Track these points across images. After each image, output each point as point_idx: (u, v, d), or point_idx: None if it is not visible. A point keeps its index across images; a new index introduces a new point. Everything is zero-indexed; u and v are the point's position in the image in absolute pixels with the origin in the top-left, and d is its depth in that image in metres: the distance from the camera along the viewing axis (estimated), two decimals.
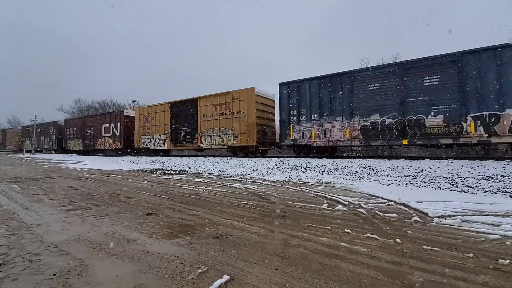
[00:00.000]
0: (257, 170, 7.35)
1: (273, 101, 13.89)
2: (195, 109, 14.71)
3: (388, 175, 5.58)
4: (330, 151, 11.04)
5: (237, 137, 12.84)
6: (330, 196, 3.57)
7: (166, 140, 16.12)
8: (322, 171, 6.63)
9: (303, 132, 10.98)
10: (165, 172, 7.58)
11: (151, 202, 3.50)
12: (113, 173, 7.56)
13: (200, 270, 1.51)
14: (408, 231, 2.17)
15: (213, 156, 15.27)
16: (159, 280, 1.41)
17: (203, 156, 15.48)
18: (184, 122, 15.28)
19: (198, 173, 7.32)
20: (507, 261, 1.57)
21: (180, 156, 16.40)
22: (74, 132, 23.91)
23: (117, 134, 19.16)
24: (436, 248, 1.80)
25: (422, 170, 5.99)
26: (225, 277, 1.41)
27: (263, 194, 3.92)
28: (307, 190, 4.12)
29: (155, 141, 16.81)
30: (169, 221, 2.59)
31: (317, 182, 5.01)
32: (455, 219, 2.45)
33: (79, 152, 23.60)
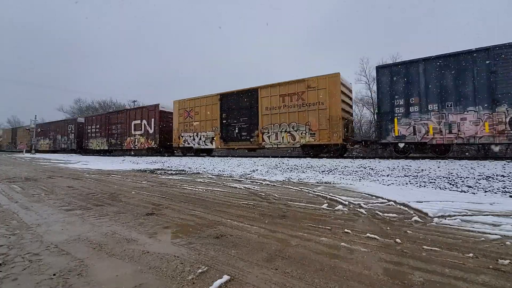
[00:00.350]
0: (257, 170, 7.35)
1: (351, 90, 12.06)
2: (254, 101, 12.30)
3: (388, 175, 5.58)
4: (451, 150, 9.09)
5: (314, 133, 10.50)
6: (330, 196, 3.57)
7: (215, 138, 13.64)
8: (322, 171, 6.63)
9: (414, 127, 8.80)
10: (165, 172, 7.58)
11: (151, 202, 3.50)
12: (113, 173, 7.56)
13: (200, 270, 1.51)
14: (408, 231, 2.17)
15: (276, 156, 12.98)
16: (159, 280, 1.41)
17: (267, 156, 13.32)
18: (239, 116, 12.84)
19: (198, 173, 7.32)
20: (507, 261, 1.57)
21: (231, 156, 14.19)
22: (97, 130, 21.17)
23: (151, 131, 16.80)
24: (436, 248, 1.81)
25: (422, 170, 5.99)
26: (225, 277, 1.41)
27: (263, 194, 3.92)
28: (307, 190, 4.12)
29: (200, 139, 14.29)
30: (169, 221, 2.59)
31: (317, 182, 5.01)
32: (455, 219, 2.45)
33: (103, 153, 21.22)
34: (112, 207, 3.21)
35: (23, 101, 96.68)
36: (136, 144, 17.87)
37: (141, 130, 17.54)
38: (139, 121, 17.71)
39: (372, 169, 6.53)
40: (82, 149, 22.84)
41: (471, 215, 2.54)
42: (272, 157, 12.28)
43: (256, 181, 5.38)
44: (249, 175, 6.38)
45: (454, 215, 2.56)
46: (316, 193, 3.88)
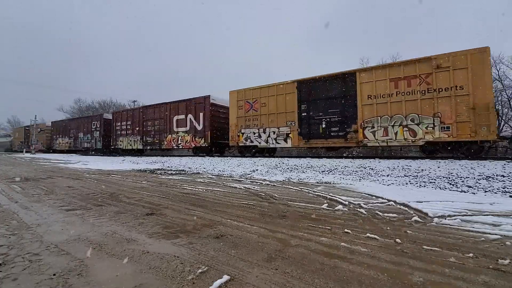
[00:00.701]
0: (257, 170, 7.35)
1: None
2: (350, 88, 9.86)
3: (388, 175, 5.58)
4: None
5: (448, 127, 8.17)
6: (330, 196, 3.57)
7: (291, 135, 11.11)
8: (322, 171, 6.63)
9: None
10: (165, 172, 7.58)
11: (151, 202, 3.50)
12: (113, 173, 7.56)
13: (200, 270, 1.51)
14: (408, 231, 2.17)
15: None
16: (159, 280, 1.41)
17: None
18: (326, 107, 10.34)
19: (198, 173, 7.32)
20: (507, 261, 1.57)
21: (306, 157, 11.80)
22: (129, 127, 18.45)
23: (199, 128, 14.18)
24: (436, 248, 1.81)
25: (422, 170, 5.99)
26: (225, 277, 1.41)
27: (263, 194, 3.92)
28: (307, 190, 4.12)
29: (268, 136, 11.73)
30: (169, 221, 2.59)
31: (317, 182, 5.01)
32: (455, 219, 2.45)
33: (136, 153, 18.72)
34: (112, 207, 3.21)
35: (23, 101, 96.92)
36: (179, 142, 15.22)
37: (185, 126, 14.89)
38: (183, 116, 15.03)
39: (372, 169, 6.53)
40: (110, 149, 20.37)
41: (471, 215, 2.54)
42: (273, 157, 12.23)
43: (256, 181, 5.38)
44: (249, 175, 6.38)
45: (454, 215, 2.56)
46: (316, 193, 3.88)
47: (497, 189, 3.90)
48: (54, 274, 1.48)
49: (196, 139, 14.40)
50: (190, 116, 14.82)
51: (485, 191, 3.78)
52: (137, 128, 17.97)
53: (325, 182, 4.99)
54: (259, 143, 12.09)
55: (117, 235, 2.16)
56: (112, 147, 19.80)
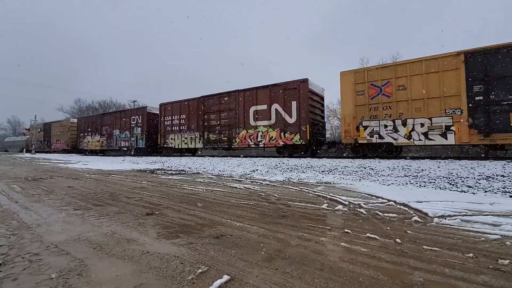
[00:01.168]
0: (257, 170, 7.35)
1: None
2: None
3: (388, 175, 5.59)
4: None
5: None
6: (330, 196, 3.57)
7: (455, 127, 8.07)
8: (322, 171, 6.63)
9: None
10: (165, 172, 7.58)
11: (151, 202, 3.50)
12: (113, 173, 7.56)
13: (200, 270, 1.51)
14: (408, 231, 2.17)
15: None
16: (159, 280, 1.41)
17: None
18: None
19: (198, 173, 7.32)
20: (507, 261, 1.57)
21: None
22: (183, 122, 15.02)
23: (291, 120, 11.19)
24: (436, 248, 1.81)
25: (422, 170, 5.99)
26: (225, 277, 1.41)
27: (263, 194, 3.92)
28: (307, 190, 4.13)
29: (412, 129, 8.65)
30: (169, 221, 2.59)
31: (317, 182, 5.01)
32: (455, 219, 2.45)
33: (192, 152, 15.94)
34: (112, 207, 3.21)
35: (23, 101, 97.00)
36: (259, 140, 12.06)
37: (269, 119, 11.84)
38: (264, 106, 11.99)
39: (372, 169, 6.53)
40: (156, 148, 17.15)
41: (471, 215, 2.54)
42: (272, 157, 12.21)
43: (256, 181, 5.38)
44: (249, 175, 6.38)
45: (454, 215, 2.56)
46: (316, 193, 3.88)
47: (497, 189, 3.90)
48: (54, 274, 1.48)
49: (286, 135, 11.26)
50: (275, 106, 11.72)
51: (485, 191, 3.78)
52: (195, 123, 14.56)
53: (325, 182, 4.99)
54: (395, 139, 8.99)
55: (117, 235, 2.16)
56: (160, 145, 16.35)
